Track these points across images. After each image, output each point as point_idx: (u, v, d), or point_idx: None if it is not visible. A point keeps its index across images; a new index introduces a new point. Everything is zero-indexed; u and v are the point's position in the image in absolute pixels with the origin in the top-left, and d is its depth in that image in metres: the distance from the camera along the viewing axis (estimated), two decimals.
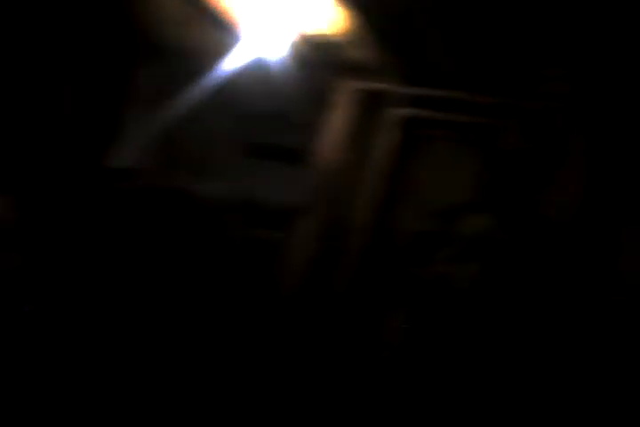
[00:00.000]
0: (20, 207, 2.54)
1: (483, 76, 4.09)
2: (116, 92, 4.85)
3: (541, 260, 2.85)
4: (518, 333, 2.94)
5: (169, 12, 4.18)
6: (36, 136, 4.55)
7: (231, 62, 4.30)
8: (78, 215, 3.16)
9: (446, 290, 2.96)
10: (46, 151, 4.57)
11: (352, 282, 4.24)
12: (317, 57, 4.16)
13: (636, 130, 3.60)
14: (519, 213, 3.00)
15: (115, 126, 4.79)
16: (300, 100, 4.52)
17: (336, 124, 4.38)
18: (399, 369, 3.08)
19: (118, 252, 1.09)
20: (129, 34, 4.44)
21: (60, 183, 3.67)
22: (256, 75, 4.41)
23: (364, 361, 4.24)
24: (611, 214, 3.60)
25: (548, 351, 3.24)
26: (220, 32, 4.03)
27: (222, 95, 4.69)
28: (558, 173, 3.71)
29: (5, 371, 1.20)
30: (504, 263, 2.85)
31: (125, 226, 1.07)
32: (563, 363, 3.22)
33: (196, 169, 5.10)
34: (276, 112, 4.72)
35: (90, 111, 4.78)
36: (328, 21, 3.59)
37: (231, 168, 5.13)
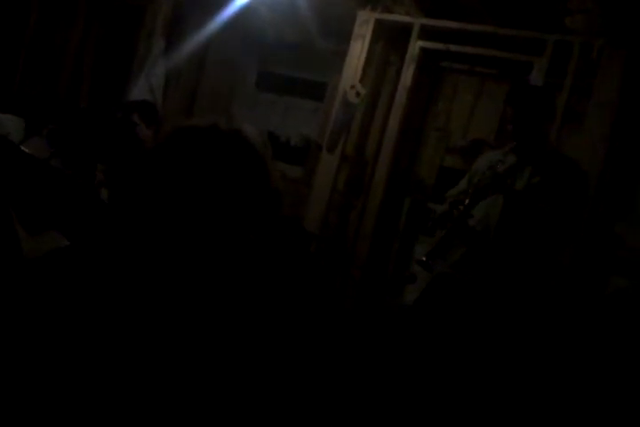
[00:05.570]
0: (29, 130, 2.57)
1: (508, 9, 3.96)
2: (130, 26, 4.75)
3: (566, 203, 2.82)
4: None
5: None
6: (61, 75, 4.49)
7: None
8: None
9: (464, 227, 2.95)
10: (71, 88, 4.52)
11: (373, 215, 4.26)
12: None
13: None
14: (543, 153, 2.95)
15: (129, 57, 4.71)
16: (319, 31, 4.40)
17: (356, 56, 4.28)
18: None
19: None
20: None
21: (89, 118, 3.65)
22: (275, 3, 4.29)
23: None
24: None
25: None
26: None
27: (239, 26, 4.58)
28: (586, 113, 3.64)
29: None
30: (525, 203, 2.83)
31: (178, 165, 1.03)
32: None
33: (212, 105, 5.03)
34: (296, 43, 4.61)
35: (108, 40, 4.69)
36: None
37: (249, 103, 5.06)
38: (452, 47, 4.15)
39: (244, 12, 4.36)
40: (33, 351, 1.09)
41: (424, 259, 2.93)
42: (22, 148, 2.21)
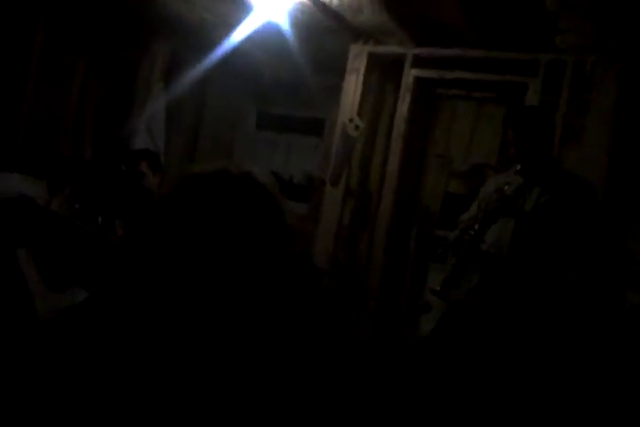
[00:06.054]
0: (52, 191, 2.60)
1: (498, 33, 4.00)
2: (128, 71, 4.82)
3: (576, 220, 2.80)
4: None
5: None
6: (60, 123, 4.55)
7: (242, 32, 4.23)
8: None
9: (477, 252, 2.92)
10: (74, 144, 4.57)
11: (382, 246, 4.24)
12: (329, 23, 4.08)
13: None
14: (546, 171, 2.95)
15: (129, 107, 4.76)
16: (314, 68, 4.45)
17: (352, 89, 4.31)
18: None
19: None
20: (137, 10, 4.36)
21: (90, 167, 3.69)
22: (269, 44, 4.35)
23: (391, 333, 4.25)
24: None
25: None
26: (230, 2, 3.96)
27: (235, 66, 4.63)
28: (585, 129, 3.64)
29: None
30: (536, 224, 2.81)
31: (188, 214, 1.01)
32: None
33: (214, 148, 5.08)
34: (292, 82, 4.66)
35: (108, 92, 4.75)
36: None
37: (250, 143, 5.10)
38: (447, 74, 4.18)
39: (239, 55, 4.42)
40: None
41: (438, 288, 2.91)
42: (46, 208, 2.24)
